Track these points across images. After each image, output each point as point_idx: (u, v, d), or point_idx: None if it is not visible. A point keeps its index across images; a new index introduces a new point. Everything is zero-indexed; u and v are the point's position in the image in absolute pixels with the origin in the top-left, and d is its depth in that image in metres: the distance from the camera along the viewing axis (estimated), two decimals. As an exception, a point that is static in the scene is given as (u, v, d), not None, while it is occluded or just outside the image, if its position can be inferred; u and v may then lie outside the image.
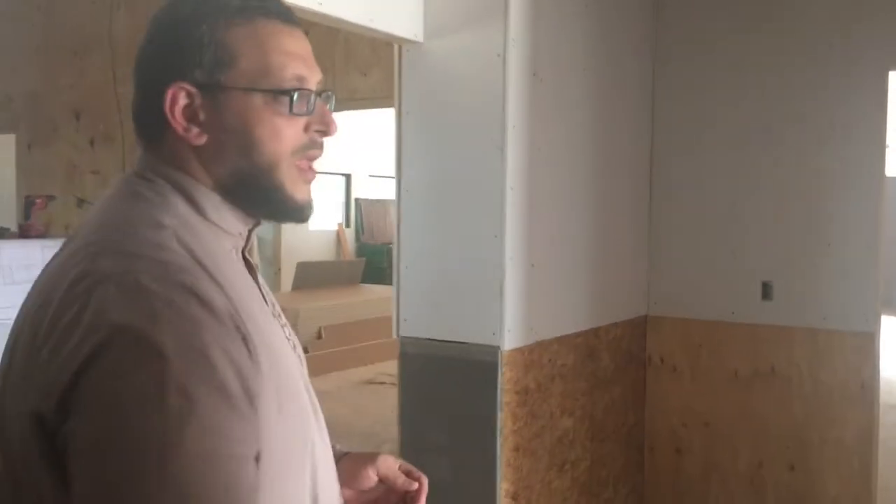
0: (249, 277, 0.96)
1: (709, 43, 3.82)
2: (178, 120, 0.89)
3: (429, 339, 3.03)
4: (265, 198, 0.94)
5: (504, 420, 2.90)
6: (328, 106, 0.97)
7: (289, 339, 0.98)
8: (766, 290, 3.72)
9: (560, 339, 3.28)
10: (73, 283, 0.80)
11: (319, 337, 8.22)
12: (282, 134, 0.91)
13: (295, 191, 0.94)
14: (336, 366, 8.04)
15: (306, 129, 0.94)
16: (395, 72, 3.07)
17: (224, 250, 0.93)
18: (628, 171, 3.85)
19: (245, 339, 0.81)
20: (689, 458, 3.94)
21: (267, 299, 0.98)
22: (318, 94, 0.95)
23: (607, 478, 3.66)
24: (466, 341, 2.95)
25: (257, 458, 0.78)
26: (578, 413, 3.42)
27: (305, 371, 0.99)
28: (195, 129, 0.90)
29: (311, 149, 0.95)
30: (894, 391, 7.25)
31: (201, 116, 0.90)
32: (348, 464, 1.13)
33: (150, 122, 0.92)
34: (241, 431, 0.77)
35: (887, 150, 3.51)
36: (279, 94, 0.91)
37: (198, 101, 0.89)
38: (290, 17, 0.95)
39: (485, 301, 2.91)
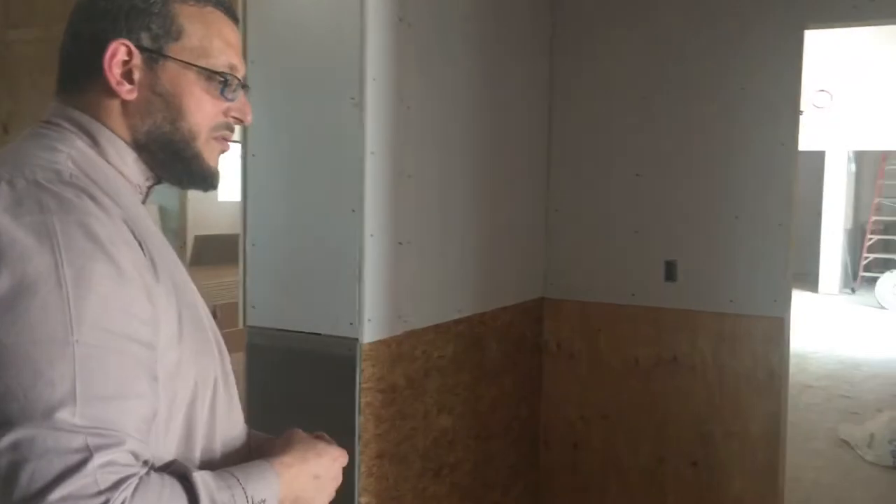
0: (151, 221, 0.98)
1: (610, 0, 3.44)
2: (112, 72, 0.95)
3: (279, 330, 2.60)
4: (179, 161, 1.00)
5: (364, 424, 2.49)
6: (245, 97, 1.06)
7: (193, 285, 1.02)
8: (670, 271, 3.39)
9: (437, 328, 2.87)
10: None
11: (215, 316, 7.68)
12: (206, 110, 1.00)
13: (210, 159, 1.02)
14: (233, 347, 7.52)
15: (225, 112, 1.02)
16: (240, 14, 2.59)
17: (126, 189, 0.97)
18: (522, 140, 3.46)
19: (141, 245, 0.88)
20: (586, 454, 3.61)
21: (172, 246, 1.02)
22: (242, 85, 1.05)
23: (495, 479, 3.30)
24: (321, 332, 2.52)
25: (153, 348, 0.84)
26: (459, 410, 3.03)
27: (213, 323, 1.02)
28: (127, 85, 0.95)
29: (226, 130, 1.04)
30: (809, 369, 7.12)
31: (136, 76, 0.96)
32: (264, 444, 1.10)
33: (79, 69, 0.97)
34: (141, 316, 0.83)
35: (800, 118, 3.20)
36: (214, 74, 1.00)
37: (136, 61, 0.95)
38: (233, 12, 1.05)
39: (341, 286, 2.48)
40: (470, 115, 3.04)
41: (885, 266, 11.71)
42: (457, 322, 3.00)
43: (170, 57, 0.97)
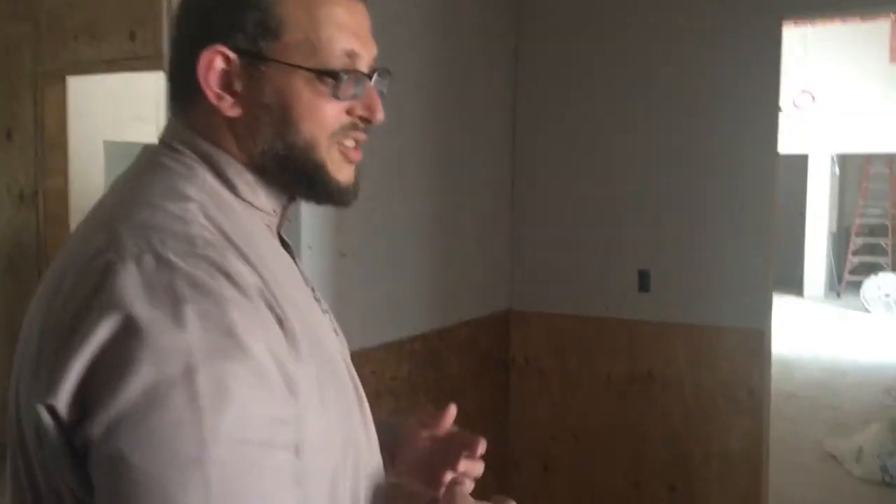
0: (287, 257, 0.89)
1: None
2: (210, 86, 0.81)
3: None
4: (304, 178, 0.85)
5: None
6: (380, 87, 0.88)
7: (332, 325, 0.92)
8: (643, 281, 3.17)
9: (388, 347, 2.64)
10: (87, 262, 0.72)
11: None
12: (321, 115, 0.83)
13: (338, 172, 0.86)
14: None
15: (350, 111, 0.85)
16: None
17: (259, 228, 0.85)
18: (484, 144, 3.23)
19: (281, 322, 0.76)
20: (558, 477, 3.38)
21: (307, 281, 0.91)
22: (369, 75, 0.86)
23: (458, 506, 3.06)
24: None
25: (297, 450, 0.74)
26: (415, 434, 2.79)
27: (349, 358, 0.92)
28: (229, 99, 0.81)
29: (354, 131, 0.86)
30: (794, 378, 6.92)
31: (237, 86, 0.81)
32: (401, 431, 1.04)
33: (184, 84, 0.83)
34: (282, 416, 0.72)
35: (779, 118, 2.99)
36: (324, 74, 0.82)
37: (236, 68, 0.81)
38: None
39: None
40: (425, 117, 2.81)
41: (870, 270, 11.57)
42: (412, 339, 2.77)
43: (272, 59, 0.81)
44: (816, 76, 10.85)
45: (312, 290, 0.91)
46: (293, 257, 0.92)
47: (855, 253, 12.36)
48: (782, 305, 11.11)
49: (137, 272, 0.70)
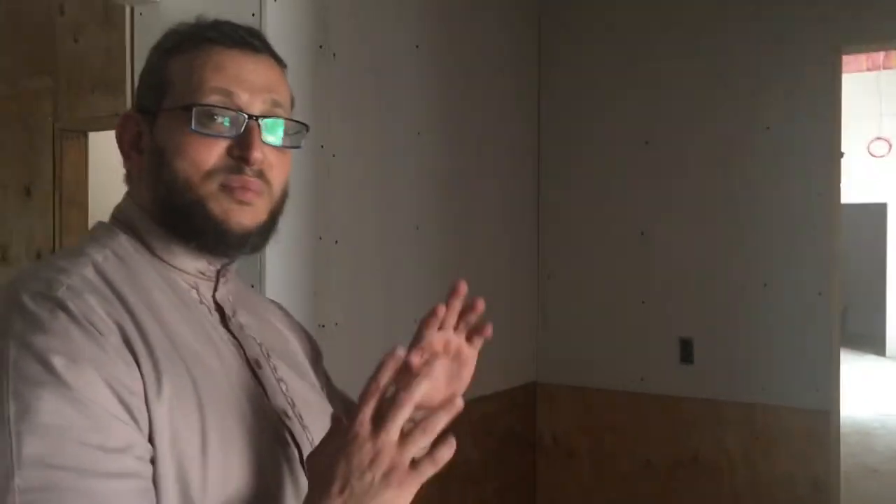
0: (200, 315, 0.87)
1: (601, 46, 2.90)
2: (124, 147, 0.88)
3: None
4: (185, 218, 0.84)
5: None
6: (271, 133, 0.86)
7: (274, 387, 0.89)
8: (686, 350, 2.76)
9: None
10: None
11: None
12: (191, 152, 0.83)
13: (224, 212, 0.83)
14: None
15: (229, 152, 0.84)
16: (127, 37, 2.17)
17: (176, 289, 0.86)
18: (508, 200, 2.90)
19: (138, 359, 0.75)
20: (591, 575, 2.94)
21: (247, 348, 0.89)
22: (252, 116, 0.84)
23: None
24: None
25: (146, 482, 0.72)
26: (417, 531, 2.42)
27: (307, 421, 0.88)
28: (136, 157, 0.87)
29: (234, 174, 0.83)
30: (875, 448, 6.26)
31: (142, 143, 0.87)
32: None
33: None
34: (113, 446, 0.71)
35: (842, 162, 2.58)
36: (184, 108, 0.83)
37: (143, 128, 0.86)
38: (242, 42, 0.87)
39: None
40: (443, 178, 2.52)
41: (960, 327, 10.71)
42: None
43: (160, 110, 0.85)
44: (893, 123, 10.23)
45: (265, 358, 0.90)
46: (227, 322, 0.90)
47: (942, 309, 11.49)
48: (862, 366, 10.33)
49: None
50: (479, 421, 2.77)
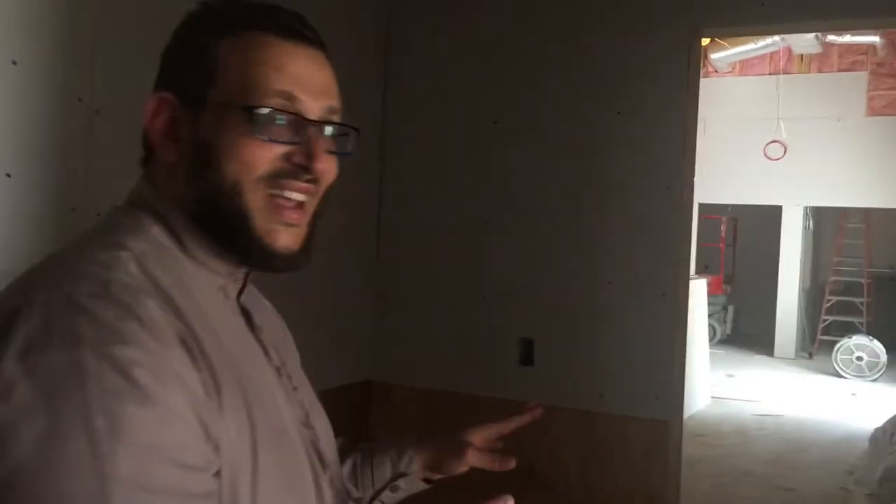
0: (238, 321, 0.86)
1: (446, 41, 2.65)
2: (155, 133, 0.82)
3: None
4: (231, 229, 0.80)
5: None
6: (332, 143, 0.85)
7: (299, 402, 0.89)
8: (526, 352, 2.54)
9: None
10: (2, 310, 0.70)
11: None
12: (245, 154, 0.79)
13: (268, 232, 0.81)
14: None
15: (288, 158, 0.81)
16: None
17: (208, 288, 0.83)
18: (347, 184, 2.62)
19: (202, 371, 0.73)
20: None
21: (272, 355, 0.89)
22: (316, 122, 0.82)
23: None
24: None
25: (218, 474, 0.71)
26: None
27: (324, 445, 0.90)
28: (171, 146, 0.81)
29: (290, 179, 0.81)
30: (752, 451, 6.27)
31: (179, 132, 0.81)
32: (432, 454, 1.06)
33: (144, 136, 0.84)
34: (194, 464, 0.69)
35: (695, 153, 2.40)
36: (246, 109, 0.79)
37: (182, 115, 0.81)
38: (296, 33, 0.83)
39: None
40: None
41: (845, 329, 10.98)
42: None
43: (209, 102, 0.80)
44: (789, 127, 10.38)
45: (283, 364, 0.89)
46: (253, 327, 0.88)
47: (828, 312, 11.79)
48: (750, 366, 10.49)
49: (42, 313, 0.68)
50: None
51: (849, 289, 11.94)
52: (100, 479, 0.63)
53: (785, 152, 10.29)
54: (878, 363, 9.75)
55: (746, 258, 13.43)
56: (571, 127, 2.47)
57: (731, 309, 12.61)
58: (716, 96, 11.24)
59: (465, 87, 2.64)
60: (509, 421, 1.10)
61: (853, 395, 8.82)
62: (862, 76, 10.50)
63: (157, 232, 0.80)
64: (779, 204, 11.29)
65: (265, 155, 0.80)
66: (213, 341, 0.76)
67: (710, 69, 11.24)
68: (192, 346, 0.73)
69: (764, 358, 11.28)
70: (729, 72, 11.23)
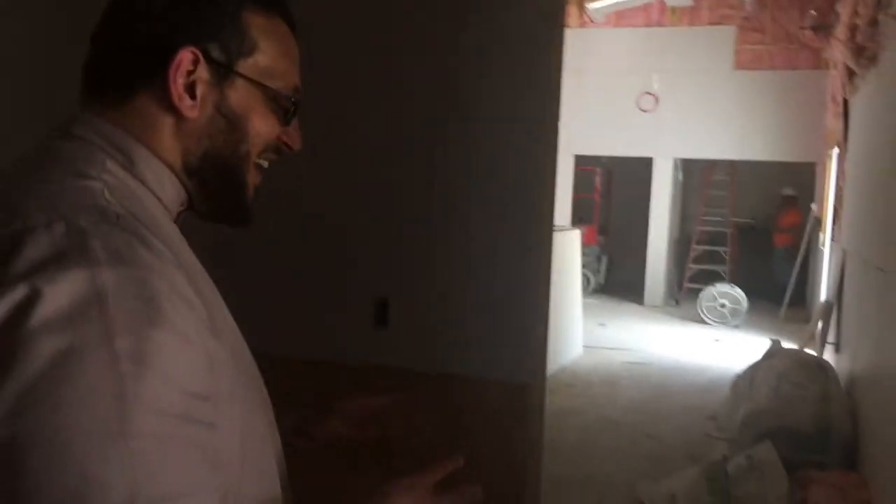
0: (188, 250, 0.87)
1: None
2: (177, 84, 0.82)
3: None
4: (227, 191, 0.89)
5: None
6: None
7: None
8: (380, 312, 2.34)
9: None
10: None
11: None
12: (265, 132, 0.89)
13: (250, 189, 0.91)
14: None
15: (278, 136, 0.92)
16: None
17: (161, 214, 0.84)
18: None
19: (201, 295, 0.76)
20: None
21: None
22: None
23: None
24: None
25: (213, 429, 0.72)
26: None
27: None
28: (189, 101, 0.83)
29: (272, 151, 0.92)
30: (618, 401, 6.36)
31: (199, 90, 0.83)
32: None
33: (121, 78, 0.83)
34: (201, 392, 0.70)
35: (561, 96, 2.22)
36: (282, 98, 0.89)
37: (203, 74, 0.83)
38: (294, 22, 0.93)
39: None
40: None
41: (711, 278, 11.40)
42: None
43: (241, 74, 0.85)
44: (662, 80, 10.53)
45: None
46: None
47: (695, 261, 12.20)
48: (621, 315, 10.74)
49: (48, 240, 0.67)
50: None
51: (714, 239, 12.38)
52: (119, 398, 0.63)
53: (657, 104, 10.44)
54: (738, 310, 10.16)
55: (620, 209, 13.72)
56: (425, 63, 2.24)
57: (604, 259, 12.87)
58: (592, 47, 11.27)
59: (301, 26, 2.36)
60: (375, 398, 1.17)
61: (717, 341, 9.16)
62: (730, 30, 10.73)
63: (108, 163, 0.79)
64: (650, 156, 11.51)
65: (273, 132, 0.89)
66: (198, 277, 0.80)
67: (587, 19, 11.23)
68: (185, 273, 0.74)
69: (634, 306, 11.59)
70: (605, 23, 11.26)
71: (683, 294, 12.02)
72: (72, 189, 0.74)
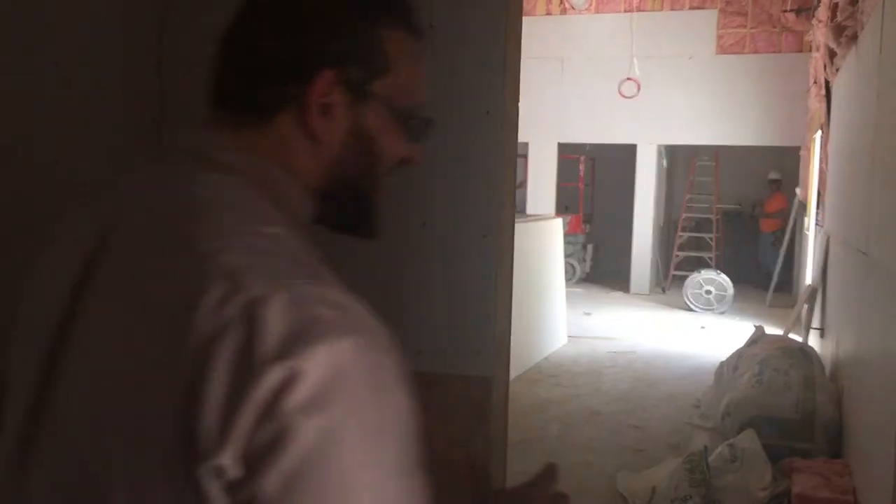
0: None
1: None
2: (315, 106, 0.80)
3: None
4: (360, 209, 0.89)
5: None
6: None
7: None
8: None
9: None
10: (217, 307, 0.65)
11: None
12: (395, 153, 0.88)
13: (379, 207, 0.91)
14: None
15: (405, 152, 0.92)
16: None
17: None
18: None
19: None
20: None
21: None
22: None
23: None
24: None
25: None
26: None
27: None
28: (325, 124, 0.82)
29: (395, 168, 0.91)
30: (602, 389, 6.27)
31: (335, 113, 0.82)
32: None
33: (263, 100, 0.81)
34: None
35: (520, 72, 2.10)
36: (414, 117, 0.88)
37: (339, 97, 0.81)
38: (423, 35, 0.89)
39: None
40: None
41: (697, 264, 11.33)
42: None
43: (376, 95, 0.83)
44: (643, 65, 10.42)
45: None
46: None
47: (681, 248, 12.13)
48: (607, 304, 10.66)
49: (281, 312, 0.65)
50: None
51: (699, 225, 12.33)
52: (375, 467, 0.65)
53: (639, 90, 10.33)
54: (724, 296, 10.09)
55: (605, 197, 13.63)
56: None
57: (590, 247, 12.79)
58: (573, 35, 11.16)
59: None
60: None
61: (702, 328, 9.09)
62: (712, 14, 10.64)
63: (271, 206, 0.79)
64: (633, 143, 11.41)
65: (402, 150, 0.87)
66: None
67: (568, 6, 11.11)
68: None
69: (620, 294, 11.52)
70: (586, 9, 11.14)
71: (670, 282, 11.95)
72: (268, 243, 0.72)
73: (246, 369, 0.63)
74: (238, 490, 0.63)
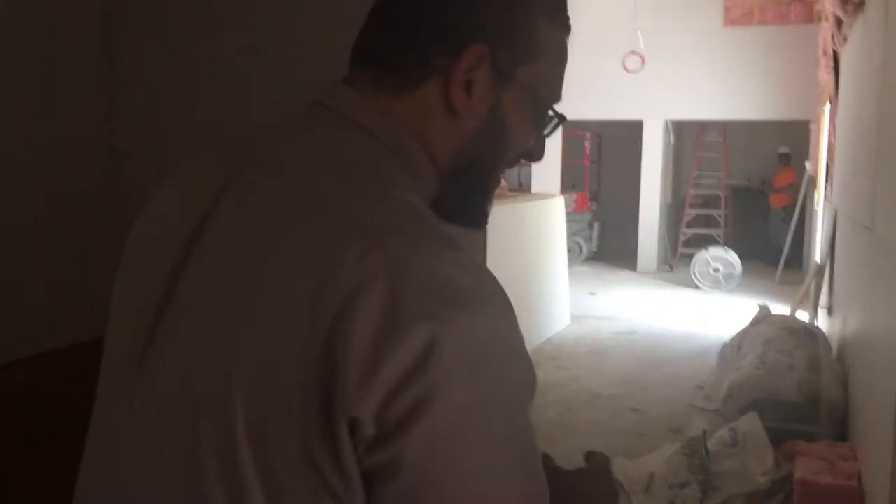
0: None
1: None
2: (459, 79, 0.79)
3: None
4: (475, 195, 0.87)
5: None
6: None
7: None
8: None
9: None
10: (358, 262, 0.64)
11: None
12: (521, 139, 0.86)
13: (492, 197, 0.91)
14: None
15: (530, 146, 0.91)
16: None
17: None
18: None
19: None
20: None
21: None
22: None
23: None
24: None
25: None
26: None
27: None
28: (465, 97, 0.80)
29: (514, 163, 0.90)
30: (604, 371, 6.14)
31: (477, 89, 0.80)
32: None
33: (413, 66, 0.80)
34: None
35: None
36: (549, 110, 0.87)
37: (484, 74, 0.80)
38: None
39: None
40: None
41: (705, 242, 11.15)
42: None
43: (519, 79, 0.82)
44: (648, 39, 10.19)
45: None
46: None
47: (689, 225, 11.95)
48: (613, 283, 10.51)
49: (423, 273, 0.65)
50: (19, 393, 2.01)
51: (708, 202, 12.13)
52: (518, 434, 0.67)
53: (643, 64, 10.12)
54: (733, 274, 9.93)
55: (612, 174, 13.44)
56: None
57: (597, 226, 12.63)
58: (576, 8, 10.90)
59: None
60: None
61: (709, 306, 8.94)
62: (719, -14, 10.38)
63: (397, 169, 0.78)
64: (640, 118, 11.21)
65: (529, 143, 0.87)
66: None
67: (572, -20, 10.85)
68: None
69: (628, 273, 11.37)
70: (590, -18, 10.90)
71: (678, 259, 11.78)
72: (405, 207, 0.71)
73: (392, 324, 0.62)
74: (374, 450, 0.62)
